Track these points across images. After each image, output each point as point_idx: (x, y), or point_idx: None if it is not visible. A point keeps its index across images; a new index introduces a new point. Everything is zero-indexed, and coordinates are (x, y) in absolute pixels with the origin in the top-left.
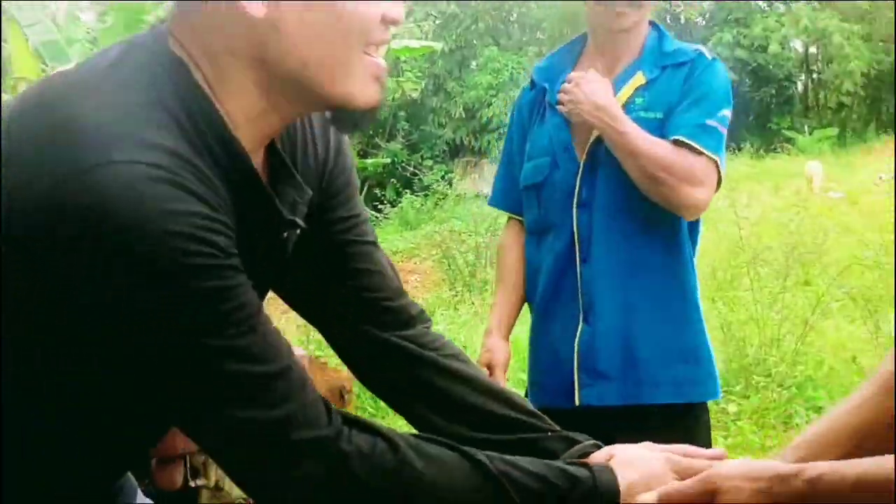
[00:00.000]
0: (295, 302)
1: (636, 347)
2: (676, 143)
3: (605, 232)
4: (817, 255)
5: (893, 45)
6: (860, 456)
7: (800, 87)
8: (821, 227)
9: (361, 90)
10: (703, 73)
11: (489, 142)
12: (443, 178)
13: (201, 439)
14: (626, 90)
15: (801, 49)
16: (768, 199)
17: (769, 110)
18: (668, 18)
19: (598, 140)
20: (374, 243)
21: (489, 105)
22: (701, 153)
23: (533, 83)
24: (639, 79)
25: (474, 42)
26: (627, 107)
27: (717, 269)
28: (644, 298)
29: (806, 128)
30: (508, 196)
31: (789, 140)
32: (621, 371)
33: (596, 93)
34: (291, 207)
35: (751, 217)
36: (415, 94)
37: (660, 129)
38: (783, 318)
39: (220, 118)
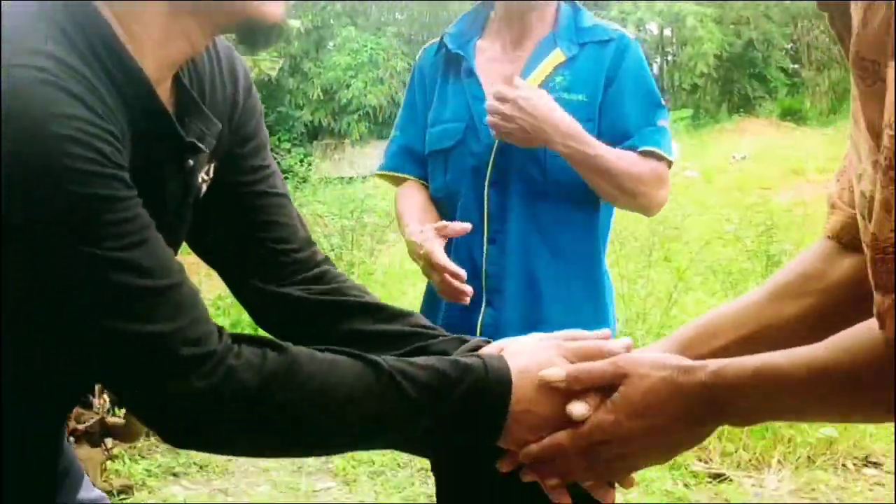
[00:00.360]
0: (212, 260)
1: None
2: (643, 153)
3: (519, 216)
4: (678, 232)
5: (745, 26)
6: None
7: (656, 69)
8: (679, 205)
9: (266, 3)
10: (633, 59)
11: (349, 124)
12: (301, 161)
13: (88, 353)
14: (544, 67)
15: (656, 32)
16: None
17: None
18: None
19: None
20: (286, 195)
21: (348, 86)
22: (662, 157)
23: (443, 46)
24: (557, 56)
25: (331, 22)
26: (546, 85)
27: None
28: (555, 286)
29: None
30: (408, 160)
31: None
32: None
33: (549, 116)
34: (199, 139)
35: None
36: (272, 74)
37: (585, 110)
38: (648, 294)
39: (111, 33)
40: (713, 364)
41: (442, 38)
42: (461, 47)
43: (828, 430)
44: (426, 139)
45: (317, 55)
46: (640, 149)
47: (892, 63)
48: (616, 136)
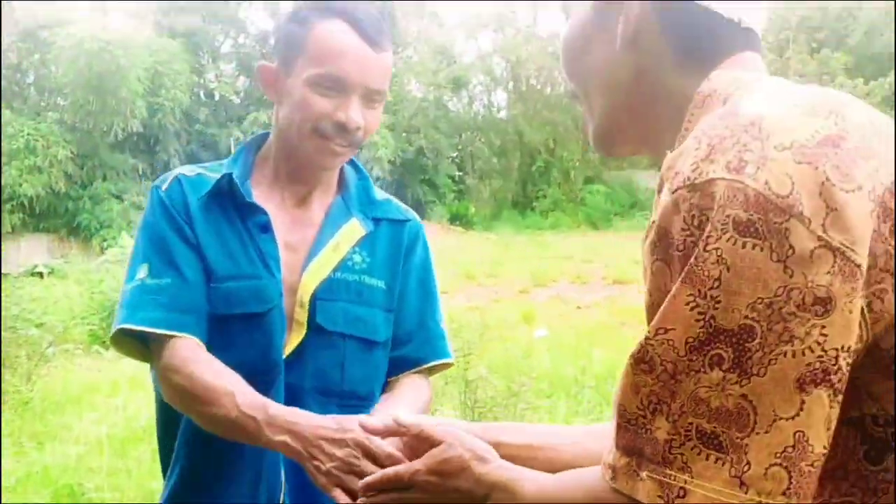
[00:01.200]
0: None
1: None
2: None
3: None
4: None
5: (416, 135)
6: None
7: None
8: None
9: None
10: (424, 248)
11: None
12: None
13: None
14: (342, 240)
15: None
16: None
17: None
18: (202, 94)
19: (324, 288)
20: None
21: None
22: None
23: (222, 187)
24: (355, 229)
25: None
26: (345, 263)
27: None
28: None
29: None
30: (185, 312)
31: None
32: None
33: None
34: None
35: None
36: None
37: (385, 300)
38: None
39: None
40: (494, 463)
41: (223, 178)
42: (249, 194)
43: None
44: (214, 297)
45: None
46: (431, 363)
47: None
48: (397, 338)
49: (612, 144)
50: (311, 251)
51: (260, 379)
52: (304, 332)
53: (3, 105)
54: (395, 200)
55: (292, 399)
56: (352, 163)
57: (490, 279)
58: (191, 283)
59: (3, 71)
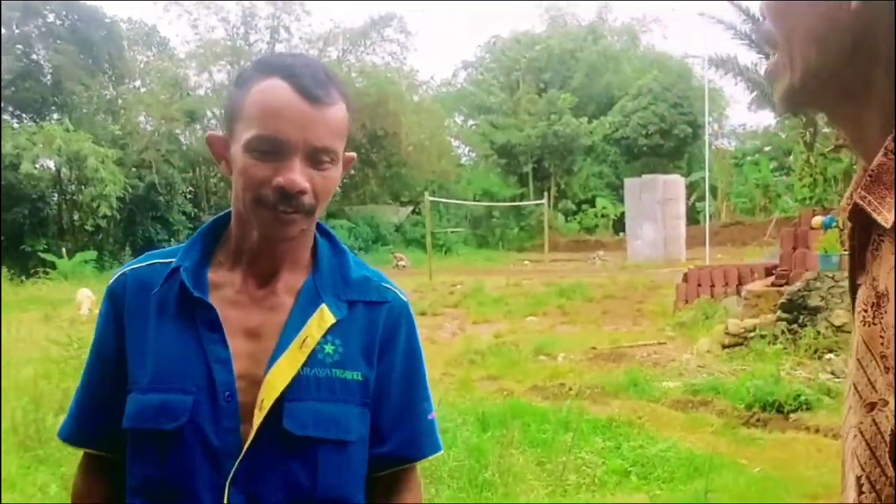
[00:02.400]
0: None
1: None
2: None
3: None
4: None
5: (147, 170)
6: None
7: (54, 208)
8: None
9: None
10: (409, 330)
11: None
12: None
13: None
14: (312, 330)
15: (54, 169)
16: (40, 328)
17: (23, 231)
18: None
19: (292, 387)
20: None
21: None
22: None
23: (172, 279)
24: (325, 316)
25: None
26: (315, 357)
27: None
28: None
29: (64, 250)
30: (88, 425)
31: (47, 263)
32: None
33: None
34: None
35: None
36: None
37: (361, 393)
38: None
39: None
40: None
41: (175, 269)
42: (199, 286)
43: None
44: (127, 408)
45: None
46: (419, 460)
47: None
48: (380, 433)
49: (802, 103)
50: (280, 343)
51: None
52: (251, 437)
53: None
54: (378, 277)
55: None
56: (329, 237)
57: None
58: (98, 394)
59: None
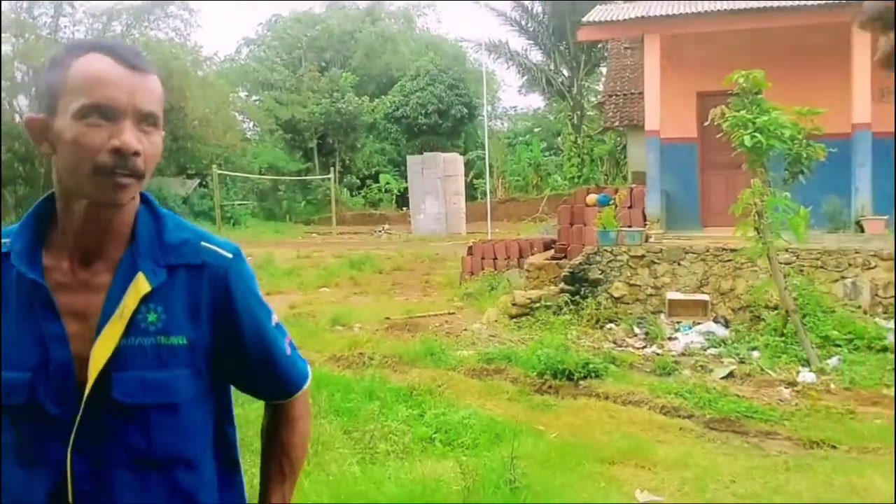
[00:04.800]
0: None
1: None
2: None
3: (119, 493)
4: None
5: None
6: None
7: None
8: None
9: None
10: (246, 291)
11: None
12: None
13: None
14: (129, 300)
15: None
16: None
17: None
18: None
19: (118, 358)
20: None
21: None
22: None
23: (6, 264)
24: (140, 285)
25: None
26: (137, 326)
27: None
28: None
29: None
30: None
31: None
32: None
33: None
34: None
35: None
36: None
37: (188, 356)
38: None
39: None
40: None
41: (7, 253)
42: (33, 268)
43: None
44: None
45: None
46: (298, 393)
47: None
48: (253, 380)
49: None
50: (102, 318)
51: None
52: (81, 408)
53: None
54: (198, 237)
55: (107, 476)
56: (148, 204)
57: None
58: None
59: None
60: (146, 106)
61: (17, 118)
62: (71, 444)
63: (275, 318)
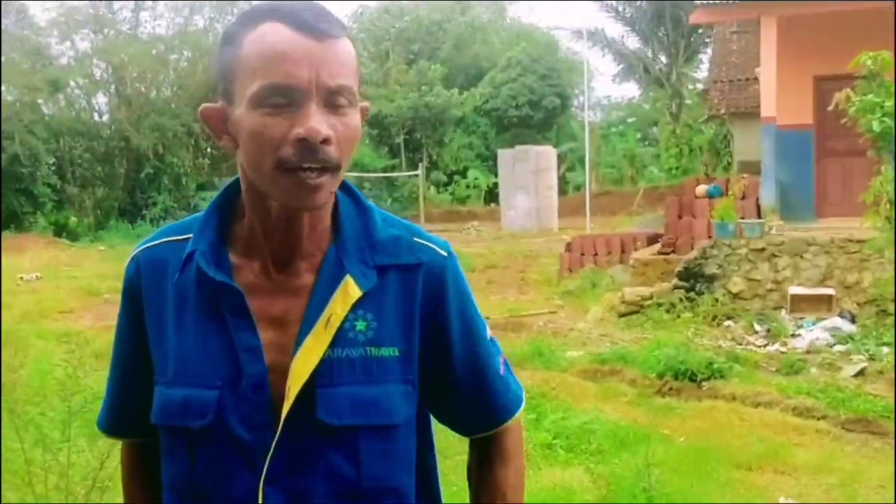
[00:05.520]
0: None
1: None
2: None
3: None
4: None
5: (10, 141)
6: None
7: None
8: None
9: None
10: (461, 296)
11: None
12: None
13: None
14: (336, 307)
15: None
16: None
17: None
18: None
19: (322, 372)
20: None
21: None
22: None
23: (190, 263)
24: (350, 289)
25: None
26: (345, 336)
27: None
28: None
29: None
30: (120, 417)
31: None
32: None
33: None
34: None
35: None
36: None
37: (401, 369)
38: None
39: None
40: None
41: (191, 253)
42: (221, 270)
43: None
44: (154, 402)
45: None
46: (507, 423)
47: None
48: (458, 404)
49: None
50: (304, 327)
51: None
52: (279, 430)
53: None
54: (411, 233)
55: None
56: (351, 194)
57: (117, 295)
58: (126, 384)
59: None
60: (335, 80)
61: (97, 117)
62: (264, 474)
63: (489, 332)
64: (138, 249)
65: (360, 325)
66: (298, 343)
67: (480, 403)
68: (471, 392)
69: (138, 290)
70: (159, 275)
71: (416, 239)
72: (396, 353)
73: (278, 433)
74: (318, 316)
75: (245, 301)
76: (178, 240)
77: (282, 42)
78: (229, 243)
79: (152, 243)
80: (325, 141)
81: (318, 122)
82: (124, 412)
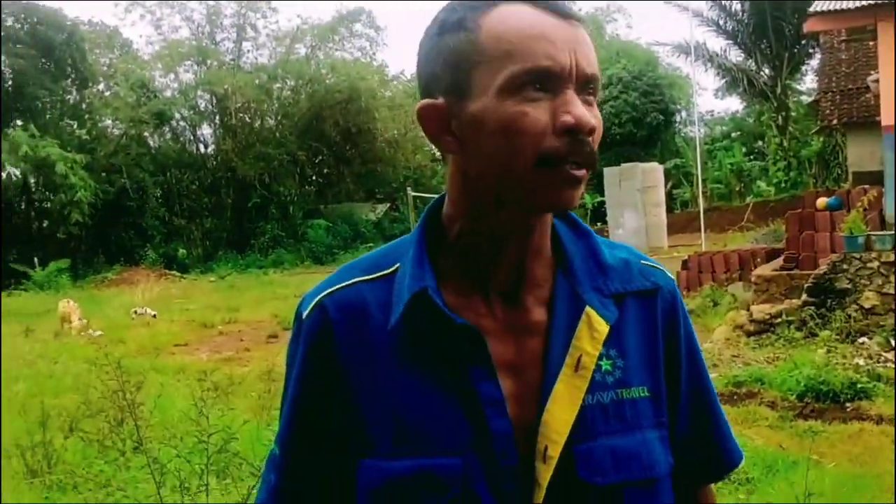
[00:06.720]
0: None
1: None
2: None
3: None
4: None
5: (118, 175)
6: None
7: (22, 216)
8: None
9: None
10: (687, 320)
11: None
12: None
13: None
14: (586, 345)
15: (20, 176)
16: (22, 342)
17: None
18: None
19: (576, 424)
20: None
21: None
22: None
23: (407, 301)
24: (595, 323)
25: None
26: (592, 380)
27: None
28: None
29: (36, 260)
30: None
31: (19, 274)
32: None
33: None
34: None
35: None
36: None
37: (653, 411)
38: None
39: None
40: None
41: (414, 298)
42: (443, 304)
43: None
44: (360, 478)
45: None
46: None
47: None
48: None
49: None
50: (547, 372)
51: None
52: (541, 498)
53: None
54: (635, 255)
55: None
56: (563, 214)
57: (230, 326)
58: (308, 463)
59: None
60: (591, 67)
61: (202, 148)
62: None
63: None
64: (322, 294)
65: (606, 365)
66: (545, 392)
67: (710, 446)
68: (698, 433)
69: (330, 342)
70: (359, 321)
71: (643, 262)
72: (647, 394)
73: (541, 501)
74: (563, 358)
75: (486, 346)
76: (372, 279)
77: (538, 23)
78: (438, 277)
79: (341, 285)
80: (591, 131)
81: (585, 111)
82: (307, 496)
